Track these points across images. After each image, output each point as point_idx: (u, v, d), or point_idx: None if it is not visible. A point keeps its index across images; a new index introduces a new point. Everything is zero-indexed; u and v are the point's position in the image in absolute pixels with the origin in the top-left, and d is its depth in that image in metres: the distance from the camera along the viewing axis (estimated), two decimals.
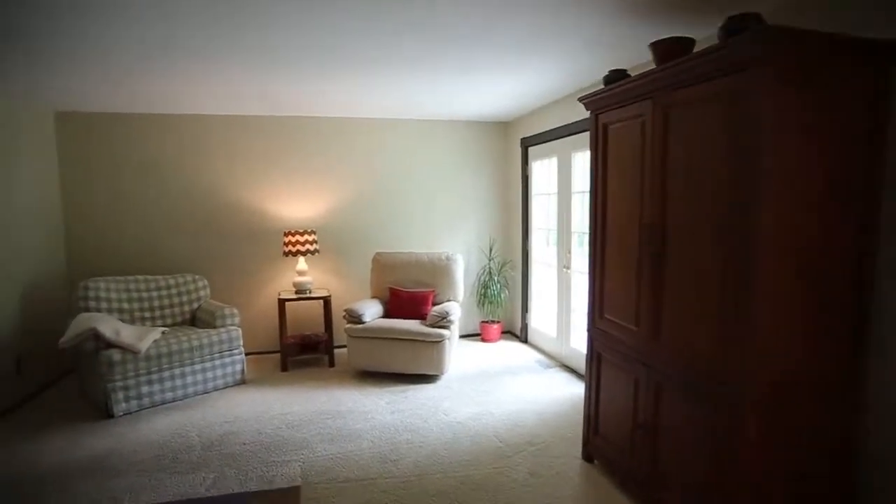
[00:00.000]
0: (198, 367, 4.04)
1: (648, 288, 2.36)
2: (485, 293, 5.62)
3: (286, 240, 4.86)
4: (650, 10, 2.39)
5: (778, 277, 1.79)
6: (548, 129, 4.80)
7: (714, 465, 1.99)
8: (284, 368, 4.72)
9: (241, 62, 3.25)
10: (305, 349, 4.93)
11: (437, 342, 4.27)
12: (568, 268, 4.64)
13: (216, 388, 4.17)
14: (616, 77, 2.56)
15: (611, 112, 2.64)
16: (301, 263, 4.92)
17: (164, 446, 3.25)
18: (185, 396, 3.99)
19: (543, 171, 5.22)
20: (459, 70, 3.49)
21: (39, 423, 3.63)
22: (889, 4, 1.87)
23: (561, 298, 4.80)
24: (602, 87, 2.64)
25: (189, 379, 3.99)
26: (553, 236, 4.99)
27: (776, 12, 2.23)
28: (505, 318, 5.84)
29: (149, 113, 4.82)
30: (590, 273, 2.89)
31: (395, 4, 2.32)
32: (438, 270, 4.96)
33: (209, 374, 4.10)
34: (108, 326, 3.74)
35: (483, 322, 5.68)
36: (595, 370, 2.86)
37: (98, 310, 4.05)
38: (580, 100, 2.85)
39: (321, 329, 5.07)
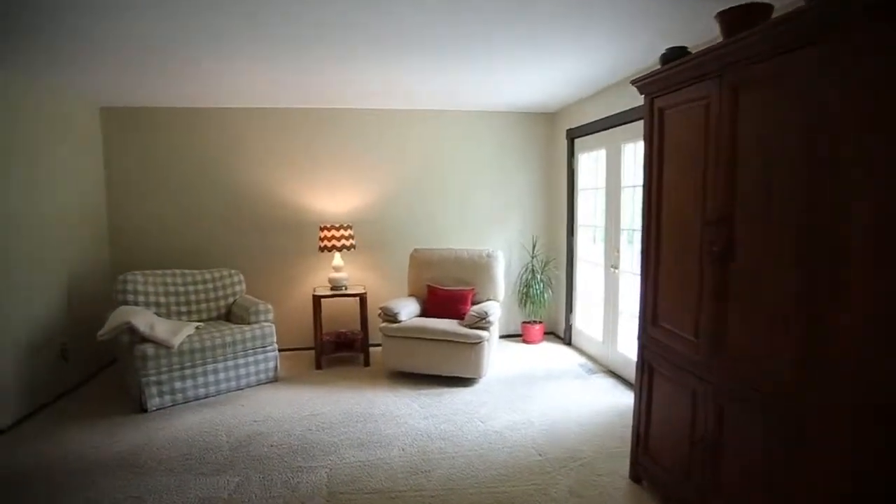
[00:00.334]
0: (230, 363, 3.98)
1: (711, 294, 2.07)
2: (527, 292, 5.36)
3: (322, 234, 4.75)
4: None
5: (877, 288, 1.48)
6: (596, 118, 4.49)
7: (787, 498, 1.70)
8: (319, 366, 4.63)
9: (280, 52, 3.19)
10: (340, 347, 4.82)
11: (476, 344, 4.06)
12: (616, 267, 4.33)
13: (249, 386, 4.11)
14: (675, 54, 2.27)
15: (668, 95, 2.34)
16: (337, 259, 4.81)
17: (193, 445, 3.18)
18: (218, 393, 3.94)
19: (590, 164, 4.91)
20: (508, 53, 3.29)
21: (79, 414, 3.65)
22: None
23: (608, 300, 4.49)
24: (658, 67, 2.36)
25: (222, 375, 3.94)
26: (600, 233, 4.68)
27: None
28: (547, 319, 5.57)
29: (189, 107, 4.81)
30: (641, 275, 2.61)
31: None
32: (478, 268, 4.75)
33: (242, 371, 4.04)
34: (143, 320, 3.72)
35: (524, 322, 5.42)
36: (646, 383, 2.58)
37: (135, 303, 4.06)
38: (633, 82, 2.56)
39: (357, 326, 4.95)
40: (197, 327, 4.06)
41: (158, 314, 4.12)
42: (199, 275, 4.52)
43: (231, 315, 4.48)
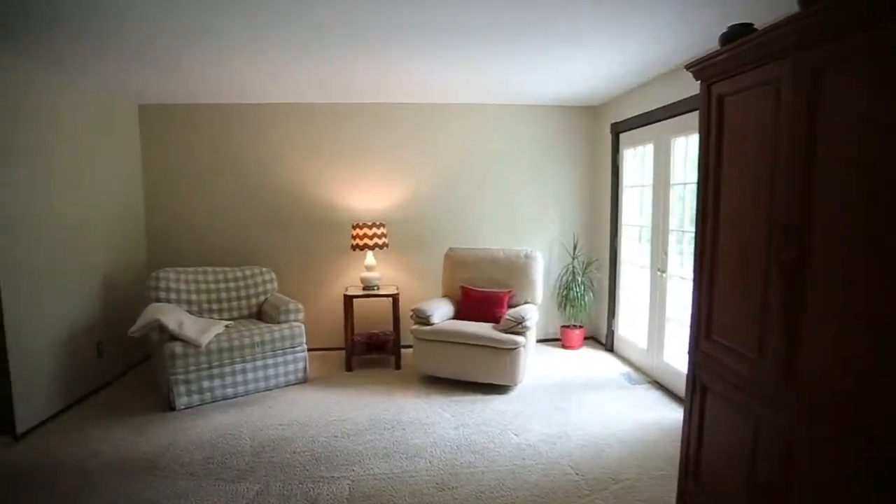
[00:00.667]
0: (259, 363, 3.91)
1: (779, 306, 1.79)
2: (567, 295, 5.10)
3: (354, 233, 4.63)
4: None
5: None
6: (643, 111, 4.19)
7: None
8: (349, 368, 4.51)
9: (318, 47, 3.12)
10: (371, 349, 4.70)
11: (511, 350, 3.84)
12: (663, 271, 4.02)
13: (277, 386, 4.03)
14: (738, 32, 1.99)
15: (729, 80, 2.06)
16: (369, 258, 4.69)
17: (216, 448, 3.11)
18: (246, 393, 3.87)
19: (636, 159, 4.60)
20: (559, 39, 3.09)
21: (110, 410, 3.66)
22: None
23: (654, 305, 4.18)
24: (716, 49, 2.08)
25: (250, 375, 3.87)
26: (646, 234, 4.37)
27: None
28: (588, 324, 5.29)
29: (224, 103, 4.78)
30: (694, 282, 2.33)
31: None
32: (515, 269, 4.53)
33: (270, 372, 3.97)
34: (173, 318, 3.69)
35: (564, 326, 5.16)
36: (697, 403, 2.31)
37: (167, 300, 4.04)
38: (688, 67, 2.29)
39: (389, 327, 4.82)
40: (226, 326, 4.01)
41: (190, 312, 4.10)
42: (230, 272, 4.48)
43: (262, 313, 4.42)
